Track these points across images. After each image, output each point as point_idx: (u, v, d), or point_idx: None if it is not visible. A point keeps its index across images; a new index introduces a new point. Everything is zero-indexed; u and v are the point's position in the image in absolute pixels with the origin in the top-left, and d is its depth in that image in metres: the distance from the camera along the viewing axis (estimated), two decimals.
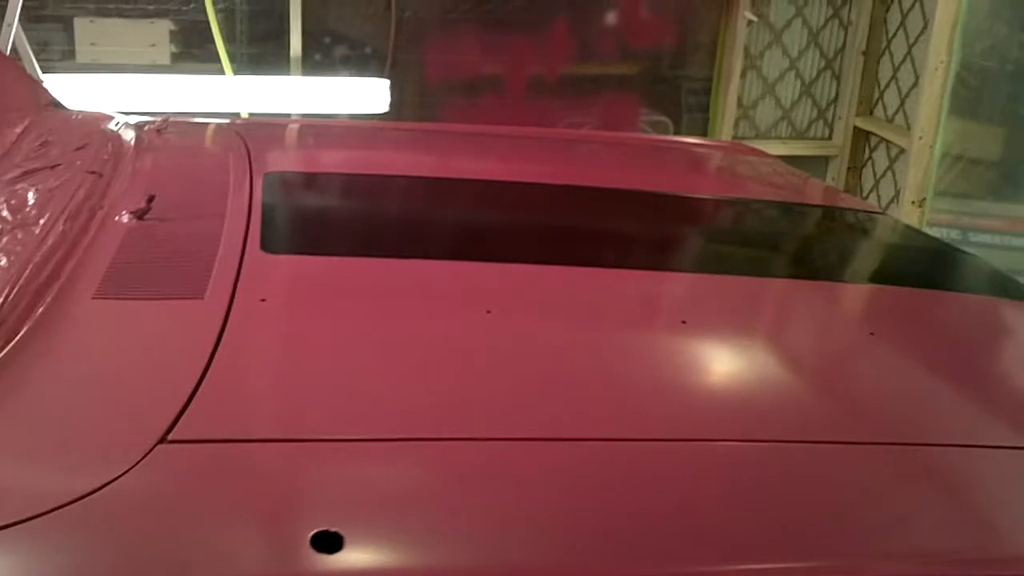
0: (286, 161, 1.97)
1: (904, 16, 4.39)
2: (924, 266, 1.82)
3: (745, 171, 2.35)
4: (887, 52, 4.54)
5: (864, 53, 4.59)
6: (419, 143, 2.32)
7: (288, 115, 4.22)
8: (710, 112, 4.71)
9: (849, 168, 4.74)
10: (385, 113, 4.33)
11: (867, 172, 4.71)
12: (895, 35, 4.47)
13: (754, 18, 4.47)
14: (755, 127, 4.71)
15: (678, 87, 4.96)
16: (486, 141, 2.31)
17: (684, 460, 1.03)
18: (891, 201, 4.46)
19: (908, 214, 4.25)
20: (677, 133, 4.87)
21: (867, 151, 4.70)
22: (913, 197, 4.22)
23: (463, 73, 4.43)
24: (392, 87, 4.37)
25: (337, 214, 1.72)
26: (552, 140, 2.41)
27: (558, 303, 1.38)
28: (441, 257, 1.49)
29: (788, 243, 1.83)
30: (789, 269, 1.69)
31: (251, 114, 4.03)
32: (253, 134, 2.17)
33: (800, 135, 4.76)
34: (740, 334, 1.36)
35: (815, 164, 4.78)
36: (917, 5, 4.29)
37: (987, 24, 4.04)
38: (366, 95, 4.29)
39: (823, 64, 4.68)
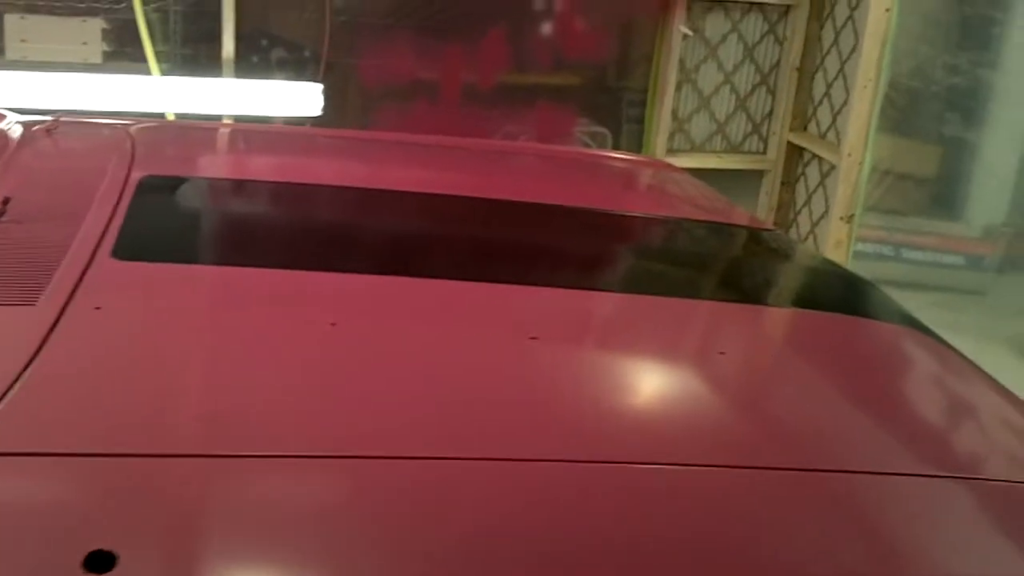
0: (170, 166, 1.94)
1: (837, 34, 4.44)
2: (801, 286, 1.83)
3: (646, 186, 2.35)
4: (821, 69, 4.58)
5: (798, 69, 4.63)
6: (321, 149, 2.30)
7: (219, 117, 4.19)
8: (644, 124, 4.72)
9: (783, 183, 4.77)
10: (319, 117, 4.32)
11: (800, 187, 4.75)
12: (828, 52, 4.52)
13: (689, 32, 4.50)
14: (690, 140, 4.73)
15: (618, 98, 4.98)
16: (383, 149, 2.30)
17: (542, 481, 1.02)
18: (821, 217, 4.50)
19: (837, 230, 4.29)
20: (616, 144, 4.90)
21: (800, 166, 4.74)
22: (842, 213, 4.25)
23: (398, 79, 4.41)
24: (326, 91, 4.35)
25: (206, 221, 1.69)
26: (453, 149, 2.40)
27: (404, 314, 1.37)
28: (300, 267, 1.48)
29: (664, 259, 1.83)
30: (659, 286, 1.70)
31: (178, 115, 4.00)
32: (146, 137, 2.14)
33: (735, 149, 4.79)
34: (586, 350, 1.36)
35: (749, 178, 4.81)
36: (850, 23, 4.34)
37: (913, 45, 4.09)
38: (299, 99, 4.26)
39: (758, 79, 4.71)
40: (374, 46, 4.42)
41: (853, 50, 4.26)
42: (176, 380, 1.11)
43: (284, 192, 1.85)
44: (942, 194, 4.95)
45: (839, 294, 1.86)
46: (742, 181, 4.78)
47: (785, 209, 4.81)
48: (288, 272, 1.45)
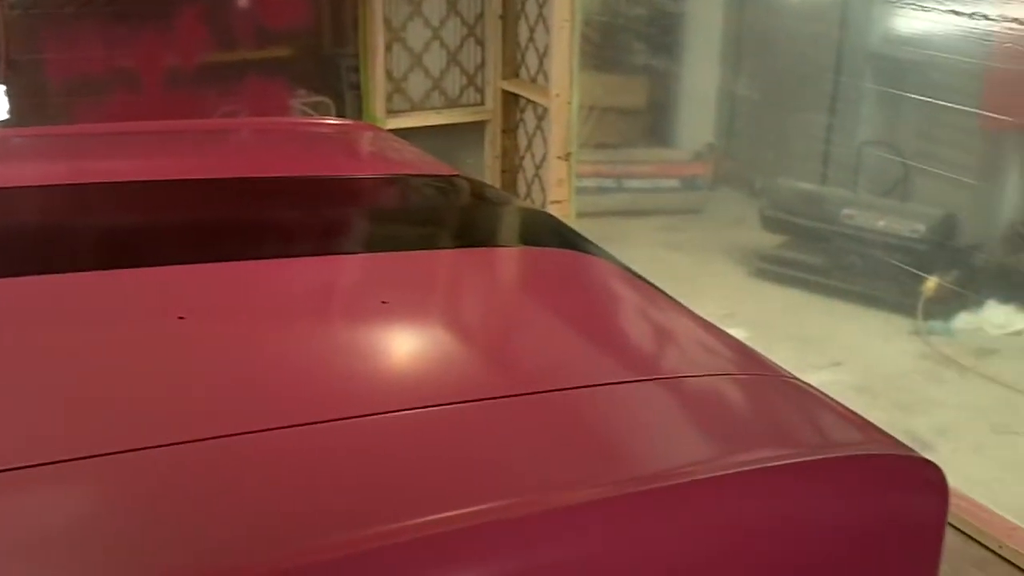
0: None
1: None
2: (480, 225, 1.90)
3: (332, 148, 2.35)
4: (523, 15, 4.71)
5: (502, 17, 4.74)
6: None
7: None
8: (362, 89, 4.71)
9: (504, 131, 4.89)
10: (7, 120, 4.03)
11: (521, 133, 4.89)
12: None
13: None
14: (409, 100, 4.76)
15: (336, 66, 4.93)
16: (61, 141, 2.18)
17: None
18: (543, 158, 4.65)
19: (557, 169, 4.45)
20: (340, 111, 4.85)
21: (517, 112, 4.87)
22: (558, 152, 4.41)
23: (89, 71, 4.18)
24: (14, 92, 4.06)
25: None
26: (147, 133, 2.30)
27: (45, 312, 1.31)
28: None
29: (344, 217, 1.85)
30: (337, 245, 1.71)
31: None
32: None
33: (454, 103, 4.85)
34: (246, 321, 1.35)
35: (472, 130, 4.90)
36: None
37: None
38: None
39: (466, 31, 4.79)
40: (59, 38, 4.15)
41: None
42: None
43: None
44: (653, 123, 5.23)
45: (518, 229, 1.94)
46: (466, 134, 4.87)
47: (510, 156, 4.94)
48: None
